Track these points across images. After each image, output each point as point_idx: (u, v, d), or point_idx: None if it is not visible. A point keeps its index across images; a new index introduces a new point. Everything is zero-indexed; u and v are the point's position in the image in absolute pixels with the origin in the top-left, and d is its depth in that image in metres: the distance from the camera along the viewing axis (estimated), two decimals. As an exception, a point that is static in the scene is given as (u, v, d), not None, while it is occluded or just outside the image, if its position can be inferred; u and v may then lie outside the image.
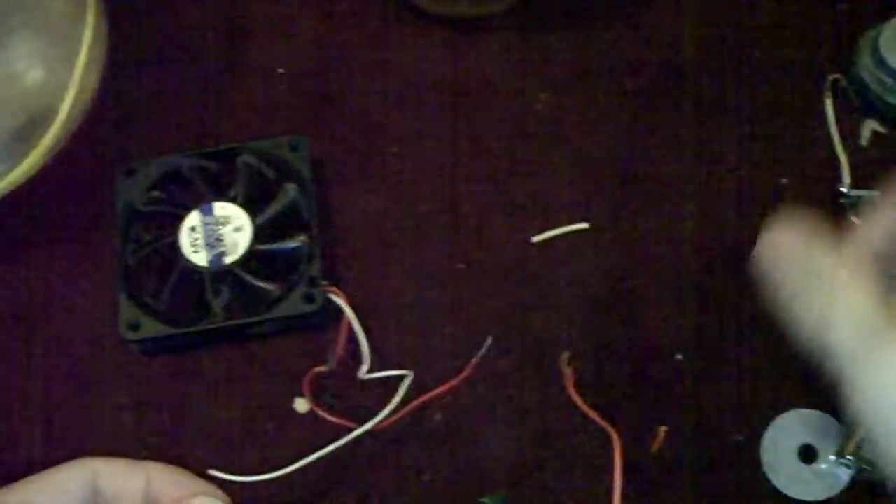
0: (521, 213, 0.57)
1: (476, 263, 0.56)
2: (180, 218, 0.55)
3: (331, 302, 0.53)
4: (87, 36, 0.55)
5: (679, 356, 0.54)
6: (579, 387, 0.52)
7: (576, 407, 0.52)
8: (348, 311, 0.53)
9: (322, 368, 0.52)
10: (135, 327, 0.53)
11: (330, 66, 0.61)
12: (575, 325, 0.55)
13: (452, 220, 0.57)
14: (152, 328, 0.53)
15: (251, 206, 0.55)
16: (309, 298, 0.53)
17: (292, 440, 0.52)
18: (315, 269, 0.53)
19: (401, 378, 0.51)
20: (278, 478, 0.50)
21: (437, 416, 0.53)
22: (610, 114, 0.59)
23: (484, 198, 0.58)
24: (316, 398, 0.51)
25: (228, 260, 0.54)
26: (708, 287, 0.55)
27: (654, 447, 0.52)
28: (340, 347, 0.52)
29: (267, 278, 0.54)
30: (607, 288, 0.55)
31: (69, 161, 0.56)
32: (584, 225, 0.57)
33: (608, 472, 0.48)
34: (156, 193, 0.56)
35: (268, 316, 0.53)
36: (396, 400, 0.51)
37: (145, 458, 0.43)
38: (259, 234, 0.54)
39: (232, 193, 0.55)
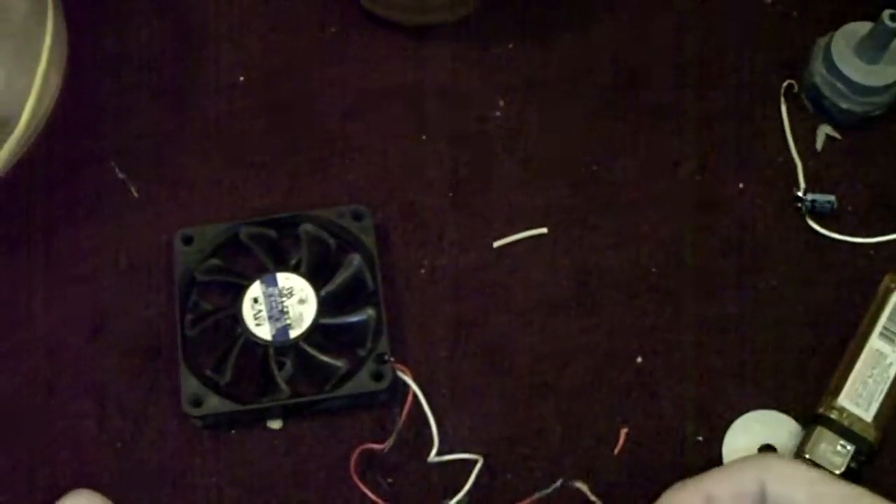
0: (481, 219, 0.57)
1: (438, 269, 0.56)
2: (241, 288, 0.53)
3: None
4: (47, 44, 0.53)
5: (639, 359, 0.54)
6: (539, 388, 0.54)
7: (535, 411, 0.53)
8: (416, 390, 0.52)
9: (376, 446, 0.51)
10: (197, 403, 0.51)
11: (289, 74, 0.61)
12: (535, 329, 0.55)
13: (413, 225, 0.57)
14: (215, 404, 0.51)
15: (314, 277, 0.54)
16: (378, 376, 0.52)
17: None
18: (383, 344, 0.52)
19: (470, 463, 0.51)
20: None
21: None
22: (568, 119, 0.60)
23: (444, 204, 0.58)
24: (364, 476, 0.51)
25: (294, 333, 0.52)
26: (666, 290, 0.56)
27: (616, 449, 0.53)
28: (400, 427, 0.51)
29: (329, 351, 0.53)
30: (567, 291, 0.56)
31: (24, 168, 0.55)
32: (542, 230, 0.57)
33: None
34: (214, 262, 0.54)
35: (336, 394, 0.52)
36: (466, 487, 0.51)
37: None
38: (323, 307, 0.53)
39: (293, 263, 0.54)
